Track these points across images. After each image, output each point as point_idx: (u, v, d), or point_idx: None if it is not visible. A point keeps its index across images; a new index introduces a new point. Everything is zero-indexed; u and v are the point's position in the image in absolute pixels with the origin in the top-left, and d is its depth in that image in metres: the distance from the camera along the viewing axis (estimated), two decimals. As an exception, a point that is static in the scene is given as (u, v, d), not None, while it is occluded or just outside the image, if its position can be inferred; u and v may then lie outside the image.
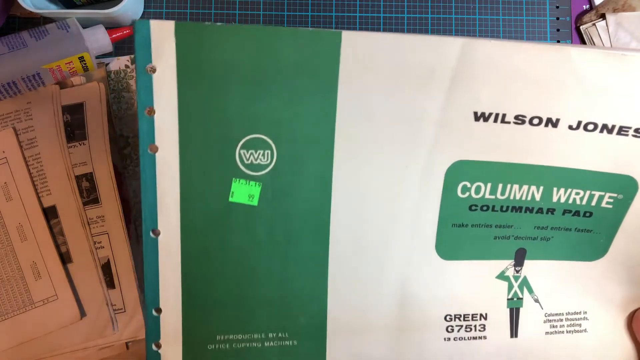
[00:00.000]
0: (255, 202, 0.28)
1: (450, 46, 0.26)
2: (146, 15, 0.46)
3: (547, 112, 0.27)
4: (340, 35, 0.26)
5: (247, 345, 0.29)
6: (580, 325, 0.32)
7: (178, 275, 0.28)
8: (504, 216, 0.30)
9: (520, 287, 0.31)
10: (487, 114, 0.27)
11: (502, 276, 0.31)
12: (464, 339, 0.31)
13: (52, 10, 0.42)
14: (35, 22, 0.45)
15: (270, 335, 0.29)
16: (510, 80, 0.27)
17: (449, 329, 0.31)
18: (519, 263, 0.31)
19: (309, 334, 0.30)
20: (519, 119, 0.27)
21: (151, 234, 0.27)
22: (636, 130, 0.27)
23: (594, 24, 0.46)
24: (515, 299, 0.31)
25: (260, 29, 0.25)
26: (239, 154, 0.27)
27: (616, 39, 0.45)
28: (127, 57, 0.45)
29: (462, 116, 0.27)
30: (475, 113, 0.27)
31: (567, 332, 0.32)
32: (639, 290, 0.31)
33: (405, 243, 0.29)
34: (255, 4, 0.46)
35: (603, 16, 0.46)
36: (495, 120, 0.27)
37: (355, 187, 0.28)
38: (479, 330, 0.31)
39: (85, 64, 0.42)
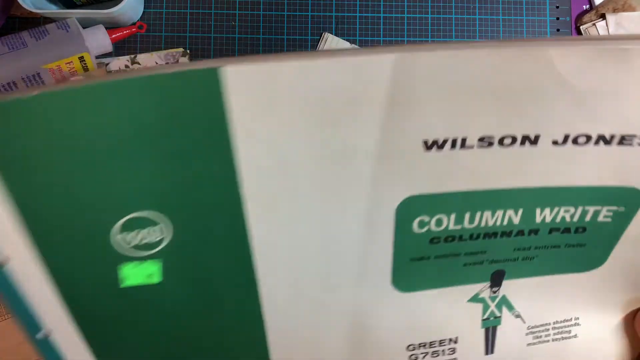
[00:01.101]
0: (157, 279, 0.23)
1: (379, 65, 0.20)
2: (146, 16, 0.46)
3: (521, 129, 0.23)
4: (219, 72, 0.19)
5: None
6: (569, 331, 0.29)
7: None
8: (474, 244, 0.26)
9: (499, 307, 0.28)
10: (440, 141, 0.22)
11: (475, 299, 0.27)
12: None
13: (52, 10, 0.42)
14: (35, 22, 0.45)
15: None
16: (468, 96, 0.21)
17: (413, 357, 0.28)
18: (496, 284, 0.27)
19: None
20: (485, 141, 0.23)
21: (39, 336, 0.23)
22: None
23: (594, 24, 0.46)
24: (491, 319, 0.28)
25: (95, 86, 0.19)
26: (117, 240, 0.22)
27: (616, 39, 0.45)
28: (127, 57, 0.45)
29: (408, 147, 0.22)
30: (426, 142, 0.22)
31: (553, 340, 0.29)
32: None
33: (353, 283, 0.26)
34: (255, 4, 0.46)
35: (603, 16, 0.46)
36: (453, 147, 0.23)
37: (281, 242, 0.24)
38: (448, 354, 0.28)
39: (85, 64, 0.42)
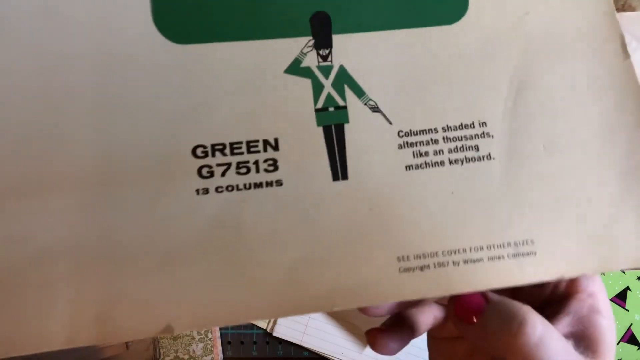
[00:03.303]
0: None
1: None
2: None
3: None
4: None
5: None
6: (476, 147, 0.18)
7: None
8: None
9: (338, 87, 0.17)
10: None
11: (296, 68, 0.17)
12: (237, 189, 0.17)
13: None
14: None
15: None
16: None
17: (205, 171, 0.17)
18: (323, 42, 0.17)
19: None
20: None
21: None
22: None
23: (594, 24, 0.46)
24: (330, 109, 0.17)
25: None
26: None
27: (616, 39, 0.45)
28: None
29: None
30: None
31: (451, 161, 0.17)
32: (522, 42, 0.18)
33: (98, 14, 0.17)
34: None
35: (603, 16, 0.46)
36: None
37: None
38: (265, 171, 0.17)
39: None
